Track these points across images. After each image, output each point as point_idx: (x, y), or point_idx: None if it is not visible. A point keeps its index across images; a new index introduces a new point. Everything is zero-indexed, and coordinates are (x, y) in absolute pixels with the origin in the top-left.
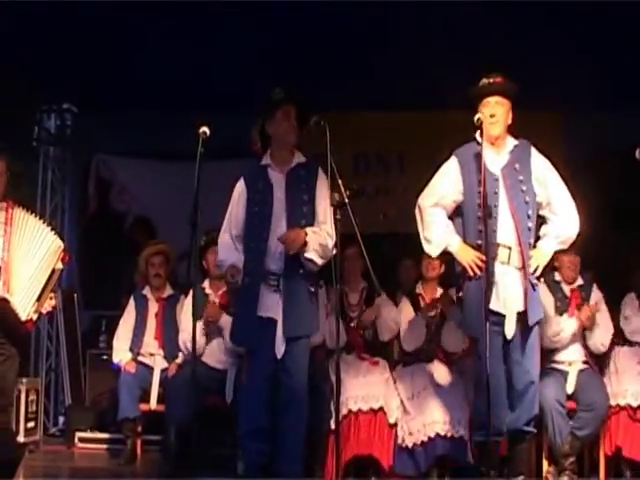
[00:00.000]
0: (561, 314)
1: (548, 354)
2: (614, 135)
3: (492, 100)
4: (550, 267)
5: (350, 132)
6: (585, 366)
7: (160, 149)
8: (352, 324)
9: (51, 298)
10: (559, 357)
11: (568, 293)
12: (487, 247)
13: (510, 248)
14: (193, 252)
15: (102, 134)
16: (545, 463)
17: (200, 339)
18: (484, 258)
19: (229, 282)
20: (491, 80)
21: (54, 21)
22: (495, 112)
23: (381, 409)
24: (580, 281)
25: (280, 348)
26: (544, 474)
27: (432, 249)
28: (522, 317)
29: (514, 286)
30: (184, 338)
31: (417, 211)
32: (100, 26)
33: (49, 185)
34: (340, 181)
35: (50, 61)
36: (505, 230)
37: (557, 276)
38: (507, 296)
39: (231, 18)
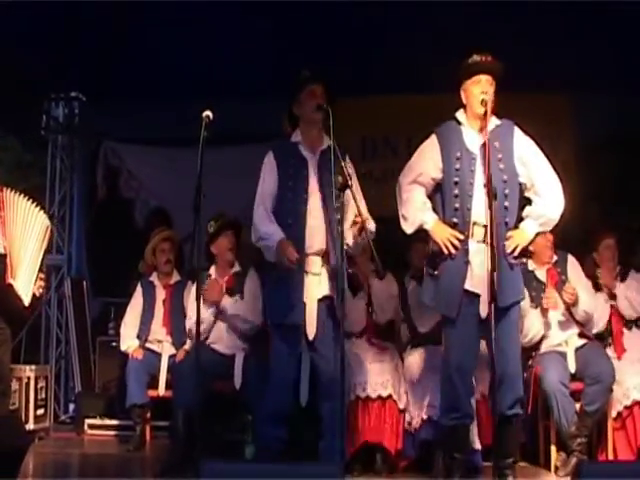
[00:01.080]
0: (537, 304)
1: (542, 339)
2: (626, 117)
3: (483, 78)
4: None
5: (358, 116)
6: (583, 341)
7: (167, 135)
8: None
9: (41, 279)
10: (553, 340)
11: (543, 277)
12: (491, 227)
13: (485, 226)
14: (196, 236)
15: (110, 122)
16: (553, 449)
17: (208, 323)
18: (460, 236)
19: (287, 262)
20: (483, 58)
21: (60, 10)
22: (487, 90)
23: (390, 397)
24: (555, 257)
25: (312, 329)
26: (553, 462)
27: (407, 226)
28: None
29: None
30: (190, 324)
31: (397, 188)
32: (106, 15)
33: (58, 173)
34: (343, 164)
35: (58, 50)
36: (480, 208)
37: (530, 265)
38: (481, 275)
39: (233, 4)
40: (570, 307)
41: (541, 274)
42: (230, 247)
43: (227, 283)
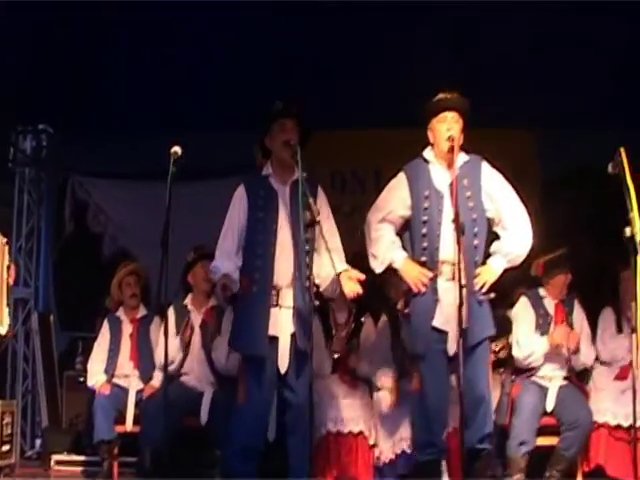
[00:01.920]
0: (542, 331)
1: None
2: (589, 152)
3: (449, 115)
4: (535, 284)
5: (326, 151)
6: (566, 382)
7: (136, 169)
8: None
9: None
10: (539, 372)
11: (551, 309)
12: (458, 264)
13: (454, 265)
14: (163, 272)
15: (78, 154)
16: None
17: (177, 355)
18: (429, 274)
19: (223, 292)
20: (448, 95)
21: (28, 42)
22: (452, 127)
23: (361, 433)
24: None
25: (284, 363)
26: None
27: (377, 265)
28: (467, 334)
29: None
30: (160, 355)
31: (365, 226)
32: (75, 47)
33: (25, 206)
34: (311, 200)
35: (26, 82)
36: (448, 247)
37: (542, 291)
38: (450, 313)
39: (204, 38)
40: (570, 353)
41: (550, 305)
42: (206, 278)
43: (205, 315)
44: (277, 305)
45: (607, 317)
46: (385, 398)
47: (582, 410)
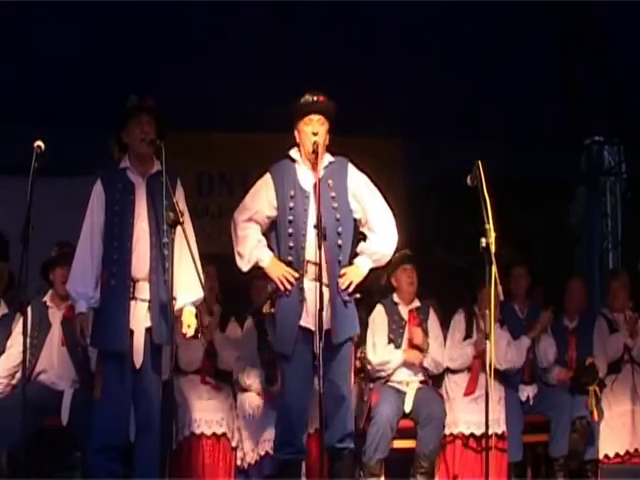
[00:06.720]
0: (394, 337)
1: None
2: (453, 162)
3: (315, 118)
4: (389, 288)
5: (194, 151)
6: (423, 385)
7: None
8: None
9: None
10: (396, 377)
11: (405, 314)
12: (320, 268)
13: (318, 264)
14: (23, 269)
15: None
16: None
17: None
18: (295, 274)
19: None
20: (314, 98)
21: None
22: (318, 130)
23: (224, 435)
24: (417, 303)
25: (139, 358)
26: None
27: (243, 264)
28: (331, 334)
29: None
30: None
31: (232, 226)
32: None
33: None
34: (174, 199)
35: None
36: (313, 247)
37: (395, 297)
38: (315, 312)
39: (67, 32)
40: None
41: (404, 311)
42: (64, 281)
43: (66, 312)
44: (133, 298)
45: (457, 322)
46: (250, 399)
47: (435, 404)
